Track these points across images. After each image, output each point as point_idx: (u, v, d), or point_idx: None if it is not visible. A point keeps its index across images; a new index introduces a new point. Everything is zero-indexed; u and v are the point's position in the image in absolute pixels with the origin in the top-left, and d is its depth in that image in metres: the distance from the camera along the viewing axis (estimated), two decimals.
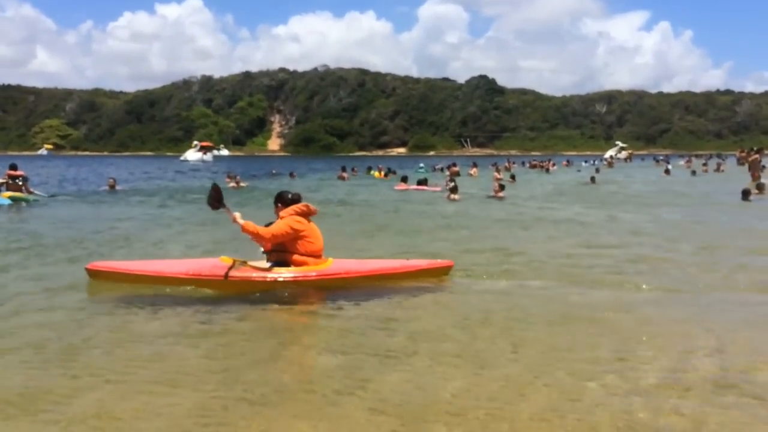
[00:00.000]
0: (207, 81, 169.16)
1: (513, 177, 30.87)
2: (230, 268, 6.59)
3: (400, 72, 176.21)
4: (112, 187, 22.69)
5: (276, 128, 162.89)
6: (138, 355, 4.70)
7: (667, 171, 38.38)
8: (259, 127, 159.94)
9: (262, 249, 7.00)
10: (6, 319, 5.72)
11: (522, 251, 9.46)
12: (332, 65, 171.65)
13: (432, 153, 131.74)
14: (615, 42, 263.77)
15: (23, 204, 17.04)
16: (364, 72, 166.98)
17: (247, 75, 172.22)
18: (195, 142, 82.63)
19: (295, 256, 6.72)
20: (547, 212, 15.90)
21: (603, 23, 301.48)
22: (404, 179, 25.87)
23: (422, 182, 24.55)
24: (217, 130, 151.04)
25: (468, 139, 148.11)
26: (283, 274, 6.67)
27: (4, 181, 17.74)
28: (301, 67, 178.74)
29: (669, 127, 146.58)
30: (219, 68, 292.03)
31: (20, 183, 17.92)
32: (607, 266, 8.39)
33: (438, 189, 23.62)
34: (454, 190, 20.22)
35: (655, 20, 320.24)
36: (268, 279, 6.64)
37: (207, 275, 6.62)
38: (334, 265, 6.95)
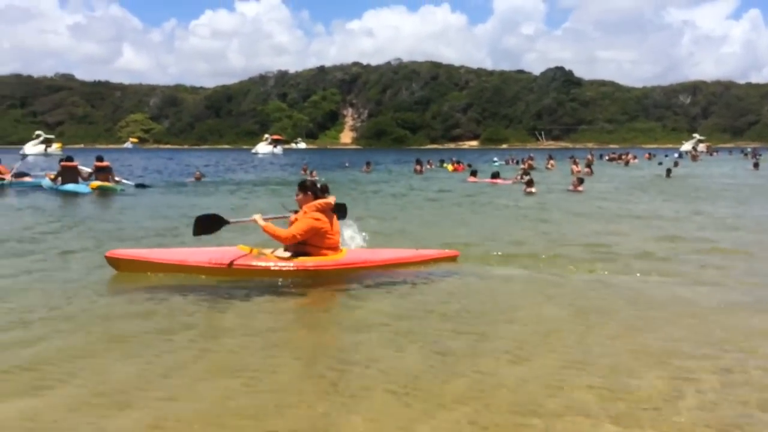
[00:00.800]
0: (282, 76, 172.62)
1: (589, 166, 30.17)
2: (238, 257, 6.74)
3: (474, 64, 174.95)
4: (198, 178, 23.57)
5: (348, 121, 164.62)
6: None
7: (756, 165, 36.49)
8: (332, 121, 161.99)
9: None
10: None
11: (601, 244, 9.31)
12: (405, 59, 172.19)
13: (505, 146, 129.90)
14: (701, 31, 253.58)
15: (112, 193, 18.07)
16: (437, 65, 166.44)
17: (321, 69, 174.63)
18: (266, 136, 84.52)
19: (313, 249, 6.81)
20: (627, 206, 15.51)
21: (688, 12, 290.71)
22: (474, 173, 25.80)
23: (495, 175, 24.37)
24: (291, 123, 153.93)
25: (542, 132, 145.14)
26: (304, 263, 6.73)
27: (92, 171, 18.89)
28: (375, 61, 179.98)
29: (757, 119, 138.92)
30: (294, 63, 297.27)
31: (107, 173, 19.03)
32: (693, 260, 8.16)
33: (509, 182, 23.51)
34: (530, 183, 19.96)
35: (744, 8, 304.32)
36: (285, 269, 6.70)
37: (220, 264, 6.68)
38: (348, 256, 7.03)
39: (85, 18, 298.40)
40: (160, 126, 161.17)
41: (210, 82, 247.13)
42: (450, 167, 36.11)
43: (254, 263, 6.69)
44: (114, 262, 6.84)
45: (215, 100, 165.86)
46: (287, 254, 6.83)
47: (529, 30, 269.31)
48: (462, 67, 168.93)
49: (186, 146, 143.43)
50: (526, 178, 21.39)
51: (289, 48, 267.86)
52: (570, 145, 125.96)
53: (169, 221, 11.97)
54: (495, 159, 44.64)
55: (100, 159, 19.35)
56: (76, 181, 18.32)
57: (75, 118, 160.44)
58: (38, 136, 70.72)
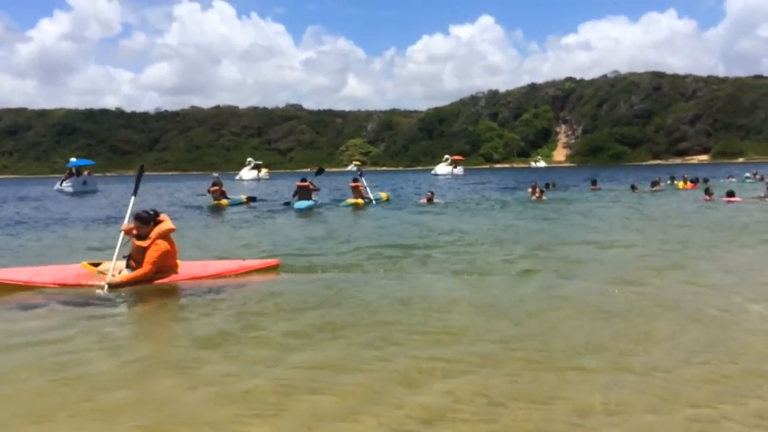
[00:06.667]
0: (493, 95, 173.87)
1: None
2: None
3: (702, 72, 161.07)
4: (430, 200, 24.75)
5: (562, 138, 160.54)
6: None
7: None
8: (544, 138, 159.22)
9: (124, 255, 7.88)
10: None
11: None
12: (624, 70, 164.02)
13: (741, 159, 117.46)
14: None
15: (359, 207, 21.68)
16: (659, 75, 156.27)
17: (532, 87, 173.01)
18: (446, 156, 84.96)
19: (160, 269, 7.65)
20: None
21: None
22: (708, 191, 23.68)
23: (731, 193, 22.20)
24: (502, 143, 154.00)
25: None
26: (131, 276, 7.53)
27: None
28: (590, 75, 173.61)
29: None
30: (506, 82, 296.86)
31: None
32: None
33: (742, 200, 21.47)
34: None
35: None
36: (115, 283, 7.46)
37: (69, 283, 7.54)
38: (181, 269, 7.86)
39: (316, 53, 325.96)
40: (376, 149, 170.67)
41: (424, 105, 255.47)
42: (681, 184, 33.75)
43: (89, 282, 7.57)
44: None
45: (428, 122, 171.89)
46: (126, 271, 7.66)
47: None
48: (689, 75, 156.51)
49: (401, 168, 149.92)
50: None
51: (503, 67, 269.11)
52: None
53: (420, 237, 12.84)
54: (747, 174, 41.37)
55: (356, 180, 23.78)
56: (309, 199, 21.49)
57: (302, 144, 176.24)
58: (250, 162, 77.51)
